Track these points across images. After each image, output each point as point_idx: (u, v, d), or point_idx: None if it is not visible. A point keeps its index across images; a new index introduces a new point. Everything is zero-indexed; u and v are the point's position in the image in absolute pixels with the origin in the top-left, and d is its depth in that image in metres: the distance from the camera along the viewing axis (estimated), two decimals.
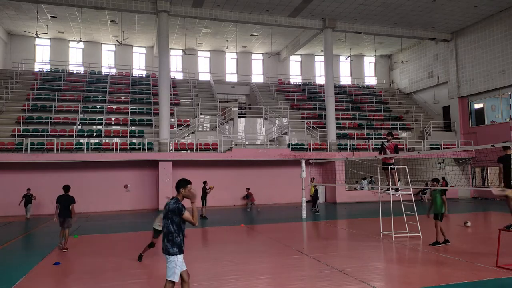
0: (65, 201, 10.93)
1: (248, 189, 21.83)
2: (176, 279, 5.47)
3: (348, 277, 7.53)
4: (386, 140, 12.32)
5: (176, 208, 5.43)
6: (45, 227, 16.07)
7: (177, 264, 5.42)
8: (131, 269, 8.52)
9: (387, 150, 12.24)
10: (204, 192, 18.23)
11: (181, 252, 5.47)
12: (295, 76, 34.28)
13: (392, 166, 12.00)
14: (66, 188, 11.21)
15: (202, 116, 25.86)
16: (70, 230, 11.29)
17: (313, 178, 18.45)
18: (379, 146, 13.31)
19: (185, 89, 29.03)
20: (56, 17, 25.30)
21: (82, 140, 21.74)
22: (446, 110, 29.78)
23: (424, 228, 12.09)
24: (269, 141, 25.03)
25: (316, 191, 20.23)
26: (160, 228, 7.53)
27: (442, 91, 29.93)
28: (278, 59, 33.54)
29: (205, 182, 18.45)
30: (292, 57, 33.72)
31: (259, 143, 24.99)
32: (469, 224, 14.05)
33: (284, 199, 24.17)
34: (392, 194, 12.26)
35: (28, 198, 18.80)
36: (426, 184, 23.18)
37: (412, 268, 8.49)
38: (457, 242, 10.75)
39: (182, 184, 5.64)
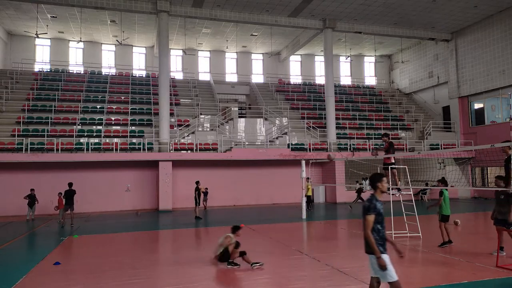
0: (71, 193, 15.95)
1: (60, 194, 17.07)
2: (393, 278, 4.91)
3: (348, 277, 7.53)
4: (382, 141, 12.41)
5: (364, 206, 5.09)
6: (45, 227, 16.07)
7: (373, 263, 5.01)
8: (131, 269, 8.51)
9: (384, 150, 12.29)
10: (195, 193, 18.13)
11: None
12: (295, 76, 34.27)
13: (392, 166, 11.98)
14: (70, 184, 16.20)
15: (202, 116, 25.85)
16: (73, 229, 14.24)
17: (308, 178, 18.44)
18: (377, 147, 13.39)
19: (185, 89, 29.02)
20: (56, 17, 25.30)
21: (82, 140, 21.74)
22: (446, 110, 29.78)
23: (424, 228, 12.09)
24: (269, 141, 25.03)
25: (312, 190, 20.15)
26: None
27: (442, 91, 29.92)
28: (278, 59, 33.54)
29: (197, 182, 18.37)
30: (292, 57, 33.71)
31: (259, 143, 24.99)
32: (459, 222, 14.03)
33: (284, 199, 24.17)
34: (393, 194, 12.25)
35: (32, 199, 18.33)
36: (426, 184, 23.24)
37: (412, 268, 8.48)
38: (457, 242, 10.74)
39: (378, 178, 5.18)
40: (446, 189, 10.44)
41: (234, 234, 8.80)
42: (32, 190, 18.49)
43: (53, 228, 15.52)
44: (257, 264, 8.39)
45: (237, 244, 8.58)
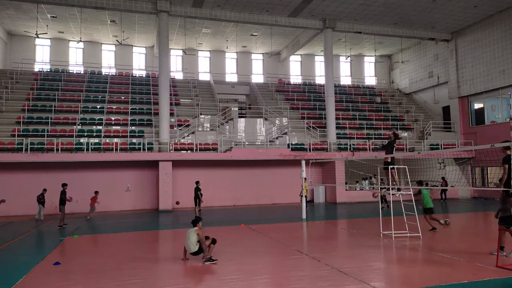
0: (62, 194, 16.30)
1: (96, 192, 18.79)
2: None
3: (348, 277, 7.52)
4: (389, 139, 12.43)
5: None
6: (45, 227, 16.07)
7: None
8: (131, 269, 8.51)
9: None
10: (197, 193, 18.11)
11: None
12: (295, 76, 34.27)
13: (391, 166, 11.94)
14: (64, 184, 16.47)
15: (202, 116, 25.85)
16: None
17: (305, 179, 18.50)
18: (384, 144, 13.47)
19: (185, 89, 29.02)
20: (56, 17, 25.30)
21: (82, 140, 21.74)
22: (446, 110, 29.78)
23: (424, 228, 12.08)
24: (269, 141, 25.03)
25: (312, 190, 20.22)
26: None
27: (442, 91, 29.92)
28: (278, 59, 33.54)
29: (197, 182, 18.35)
30: (292, 57, 33.71)
31: (259, 143, 24.99)
32: (447, 221, 13.92)
33: (284, 199, 24.16)
34: (392, 194, 12.24)
35: (42, 197, 18.02)
36: (426, 184, 23.21)
37: (412, 268, 8.48)
38: (457, 242, 10.74)
39: None
40: (426, 189, 12.80)
41: (197, 226, 9.06)
42: (44, 190, 18.03)
43: (53, 228, 15.51)
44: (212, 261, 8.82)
45: (214, 241, 8.98)
